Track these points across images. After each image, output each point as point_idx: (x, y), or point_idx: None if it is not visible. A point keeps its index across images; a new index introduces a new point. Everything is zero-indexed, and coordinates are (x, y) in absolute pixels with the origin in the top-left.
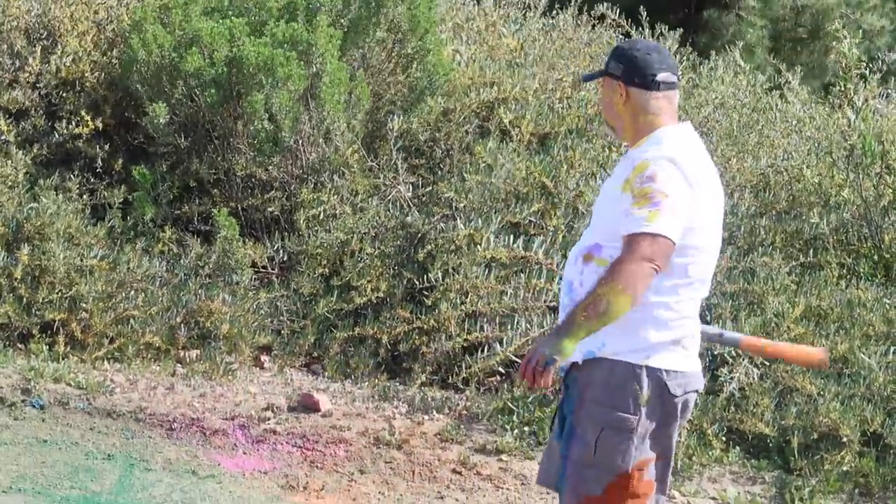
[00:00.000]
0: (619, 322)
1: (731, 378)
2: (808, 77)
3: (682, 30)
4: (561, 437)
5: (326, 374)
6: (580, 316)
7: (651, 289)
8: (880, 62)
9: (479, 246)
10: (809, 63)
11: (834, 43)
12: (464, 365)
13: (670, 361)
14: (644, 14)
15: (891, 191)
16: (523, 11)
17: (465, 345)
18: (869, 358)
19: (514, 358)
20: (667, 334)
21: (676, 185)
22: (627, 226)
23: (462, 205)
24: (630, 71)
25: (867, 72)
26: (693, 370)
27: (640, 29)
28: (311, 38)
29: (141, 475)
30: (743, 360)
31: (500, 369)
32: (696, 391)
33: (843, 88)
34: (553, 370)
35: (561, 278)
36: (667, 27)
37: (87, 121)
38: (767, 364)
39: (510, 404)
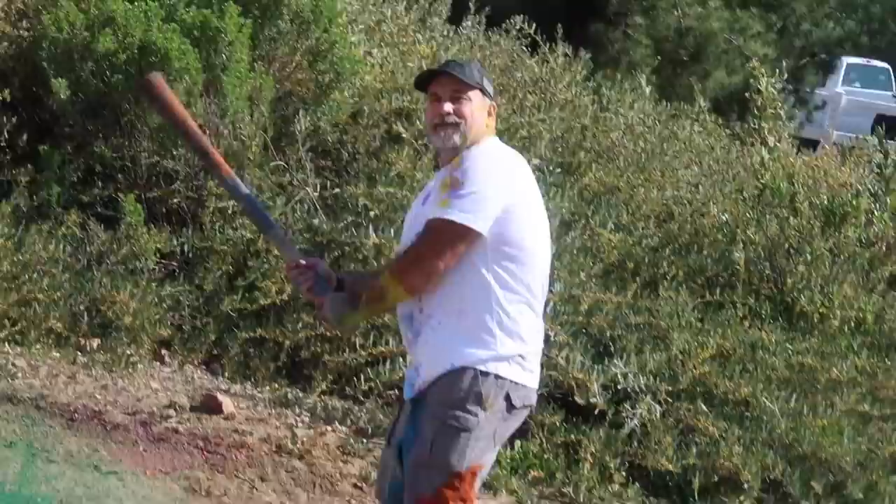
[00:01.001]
0: (468, 333)
1: (634, 414)
2: (688, 100)
3: (568, 42)
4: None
5: (226, 374)
6: (364, 298)
7: (496, 301)
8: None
9: (386, 256)
10: (689, 86)
11: (752, 80)
12: (363, 378)
13: (515, 374)
14: (535, 26)
15: (795, 233)
16: (433, 17)
17: (368, 358)
18: (772, 403)
19: None
20: (513, 347)
21: (490, 174)
22: (429, 213)
23: (373, 213)
24: (492, 91)
25: (781, 111)
26: (532, 386)
27: (543, 41)
28: (220, 24)
29: (43, 466)
30: (645, 395)
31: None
32: (531, 406)
33: (757, 127)
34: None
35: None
36: (551, 42)
37: None
38: (670, 401)
39: None
